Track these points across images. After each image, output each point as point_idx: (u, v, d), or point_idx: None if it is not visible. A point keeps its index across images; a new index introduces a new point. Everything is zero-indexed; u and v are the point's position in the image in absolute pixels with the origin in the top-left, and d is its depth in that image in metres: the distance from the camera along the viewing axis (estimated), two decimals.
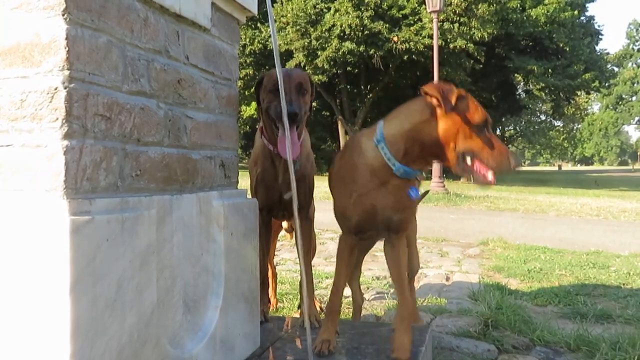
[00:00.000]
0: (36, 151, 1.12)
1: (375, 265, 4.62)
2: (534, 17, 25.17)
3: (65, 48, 1.10)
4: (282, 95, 1.73)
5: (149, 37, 1.38)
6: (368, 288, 3.75)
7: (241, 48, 21.95)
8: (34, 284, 1.07)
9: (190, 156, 1.59)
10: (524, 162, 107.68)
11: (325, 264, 4.51)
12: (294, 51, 21.57)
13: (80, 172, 1.14)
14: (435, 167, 13.40)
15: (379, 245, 6.03)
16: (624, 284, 4.00)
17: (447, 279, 4.17)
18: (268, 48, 22.93)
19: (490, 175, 1.73)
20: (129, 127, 1.30)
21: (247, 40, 22.39)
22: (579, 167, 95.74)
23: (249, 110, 29.18)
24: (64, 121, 1.10)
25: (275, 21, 22.20)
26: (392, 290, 3.71)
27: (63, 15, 1.10)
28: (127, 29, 1.30)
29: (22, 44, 1.13)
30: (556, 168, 78.40)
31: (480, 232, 6.66)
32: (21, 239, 1.08)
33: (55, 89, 1.10)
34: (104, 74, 1.21)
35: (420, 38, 20.73)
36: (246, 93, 25.06)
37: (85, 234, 1.09)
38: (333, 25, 20.97)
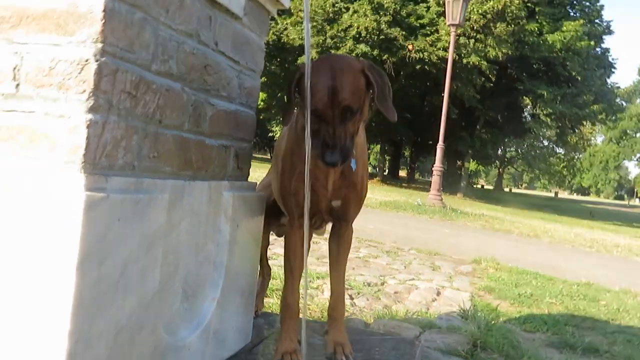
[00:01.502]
0: (59, 121, 1.09)
1: (366, 270, 4.61)
2: (550, 42, 25.20)
3: (102, 20, 1.08)
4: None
5: (182, 18, 1.36)
6: (359, 294, 3.74)
7: None
8: (40, 256, 1.04)
9: (207, 143, 1.57)
10: (521, 185, 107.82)
11: (317, 263, 4.49)
12: None
13: (100, 147, 1.12)
14: (435, 179, 13.41)
15: (371, 250, 5.99)
16: (612, 320, 4.00)
17: (438, 293, 4.15)
18: (282, 40, 22.91)
19: None
20: (152, 108, 1.28)
21: None
22: (575, 196, 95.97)
23: None
24: (90, 94, 1.08)
25: (293, 15, 22.16)
26: (382, 298, 3.71)
27: None
28: (162, 8, 1.27)
29: (58, 11, 1.10)
30: (552, 194, 78.55)
31: (474, 250, 6.65)
32: (33, 209, 1.05)
33: (87, 60, 1.08)
34: (136, 51, 1.19)
35: (435, 49, 20.76)
36: None
37: (99, 211, 1.07)
38: (350, 26, 20.97)
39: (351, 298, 3.60)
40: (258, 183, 2.33)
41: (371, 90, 1.63)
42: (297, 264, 1.87)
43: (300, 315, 1.82)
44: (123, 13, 1.14)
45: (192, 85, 1.45)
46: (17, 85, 1.12)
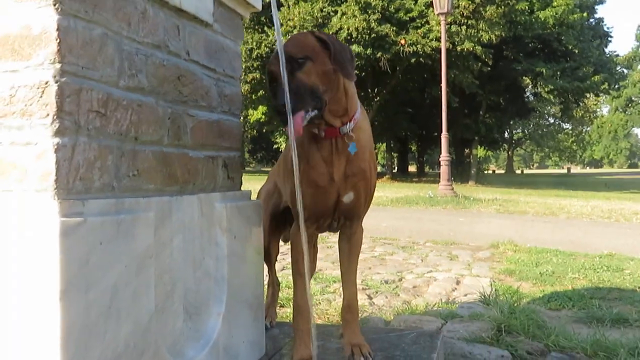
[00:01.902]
0: (26, 149, 1.06)
1: (383, 268, 4.55)
2: (543, 19, 25.04)
3: (57, 40, 1.04)
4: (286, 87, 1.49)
5: (147, 30, 1.32)
6: (377, 292, 3.67)
7: (248, 52, 21.90)
8: (22, 290, 1.00)
9: (191, 156, 1.53)
10: (532, 166, 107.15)
11: (333, 267, 4.43)
12: None
13: (72, 171, 1.08)
14: (443, 169, 13.31)
15: (386, 248, 5.92)
16: (639, 288, 3.90)
17: (458, 282, 4.08)
18: (275, 52, 22.89)
19: None
20: (125, 125, 1.24)
21: (254, 44, 22.34)
22: (588, 170, 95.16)
23: (256, 114, 29.19)
24: (55, 117, 1.04)
25: (282, 25, 22.17)
26: (401, 294, 3.64)
27: (54, 5, 1.04)
28: (123, 22, 1.23)
29: (12, 36, 1.07)
30: (565, 171, 77.85)
31: (490, 235, 6.56)
32: (8, 241, 1.01)
33: (46, 83, 1.04)
34: (99, 68, 1.15)
35: (428, 41, 20.66)
36: (253, 97, 25.03)
37: (77, 237, 1.02)
38: (340, 29, 20.92)
39: (369, 297, 3.54)
40: (257, 193, 2.29)
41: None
42: (305, 265, 1.82)
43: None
44: (80, 30, 1.10)
45: (167, 97, 1.40)
46: None
